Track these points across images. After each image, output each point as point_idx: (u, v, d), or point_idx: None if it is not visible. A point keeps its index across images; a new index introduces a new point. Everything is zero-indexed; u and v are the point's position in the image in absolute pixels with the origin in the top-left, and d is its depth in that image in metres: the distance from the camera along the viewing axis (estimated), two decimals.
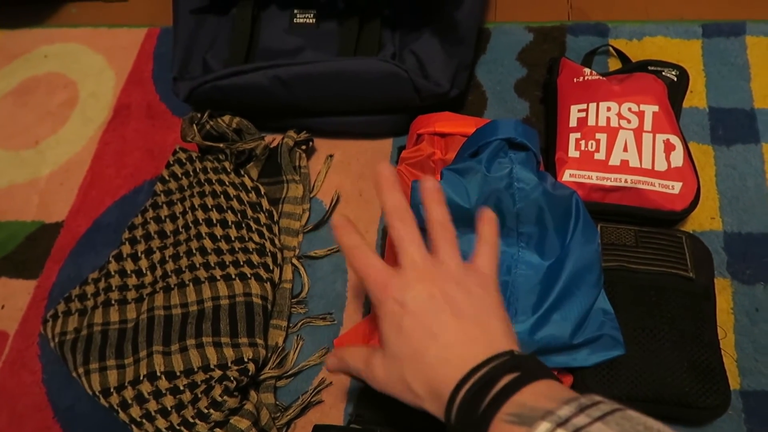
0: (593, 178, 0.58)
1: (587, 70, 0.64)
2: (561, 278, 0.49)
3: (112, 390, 0.55)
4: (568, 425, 0.29)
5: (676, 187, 0.57)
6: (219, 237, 0.63)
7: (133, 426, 0.53)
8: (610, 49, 0.72)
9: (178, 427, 0.52)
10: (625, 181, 0.57)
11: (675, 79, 0.64)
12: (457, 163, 0.55)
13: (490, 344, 0.38)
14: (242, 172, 0.68)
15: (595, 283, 0.51)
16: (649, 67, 0.65)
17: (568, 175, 0.59)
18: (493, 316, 0.40)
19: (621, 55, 0.71)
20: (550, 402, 0.32)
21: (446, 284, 0.41)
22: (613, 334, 0.50)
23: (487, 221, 0.46)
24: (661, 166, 0.58)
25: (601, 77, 0.63)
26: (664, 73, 0.64)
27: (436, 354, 0.38)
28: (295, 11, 0.70)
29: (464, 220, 0.51)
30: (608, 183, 0.58)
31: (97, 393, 0.55)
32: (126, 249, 0.65)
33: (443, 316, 0.39)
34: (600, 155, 0.59)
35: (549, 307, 0.49)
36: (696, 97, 0.68)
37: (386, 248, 0.59)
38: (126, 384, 0.55)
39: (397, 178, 0.45)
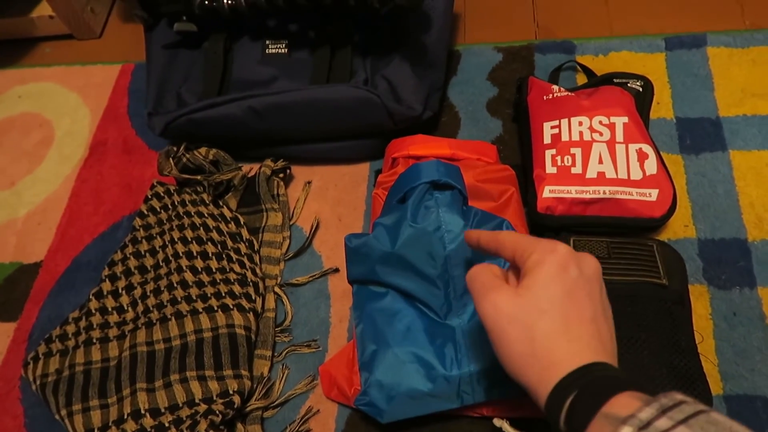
0: (572, 192, 0.59)
1: (555, 87, 0.66)
2: None
3: (96, 431, 0.54)
4: (650, 429, 0.28)
5: (653, 194, 0.58)
6: (200, 269, 0.63)
7: None
8: (576, 65, 0.74)
9: None
10: (604, 192, 0.58)
11: (640, 89, 0.65)
12: (386, 210, 0.56)
13: (606, 352, 0.36)
14: (221, 203, 0.68)
15: None
16: (615, 80, 0.66)
17: (548, 191, 0.59)
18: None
19: (586, 71, 0.72)
20: (636, 402, 0.31)
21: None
22: None
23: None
24: (636, 175, 0.59)
25: (569, 93, 0.65)
26: (629, 85, 0.66)
27: (591, 324, 0.36)
28: (267, 42, 0.70)
29: (390, 261, 0.52)
30: (587, 196, 0.58)
31: None
32: (106, 286, 0.64)
33: (606, 302, 0.39)
34: (576, 169, 0.60)
35: None
36: (663, 109, 0.69)
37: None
38: (110, 424, 0.54)
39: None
